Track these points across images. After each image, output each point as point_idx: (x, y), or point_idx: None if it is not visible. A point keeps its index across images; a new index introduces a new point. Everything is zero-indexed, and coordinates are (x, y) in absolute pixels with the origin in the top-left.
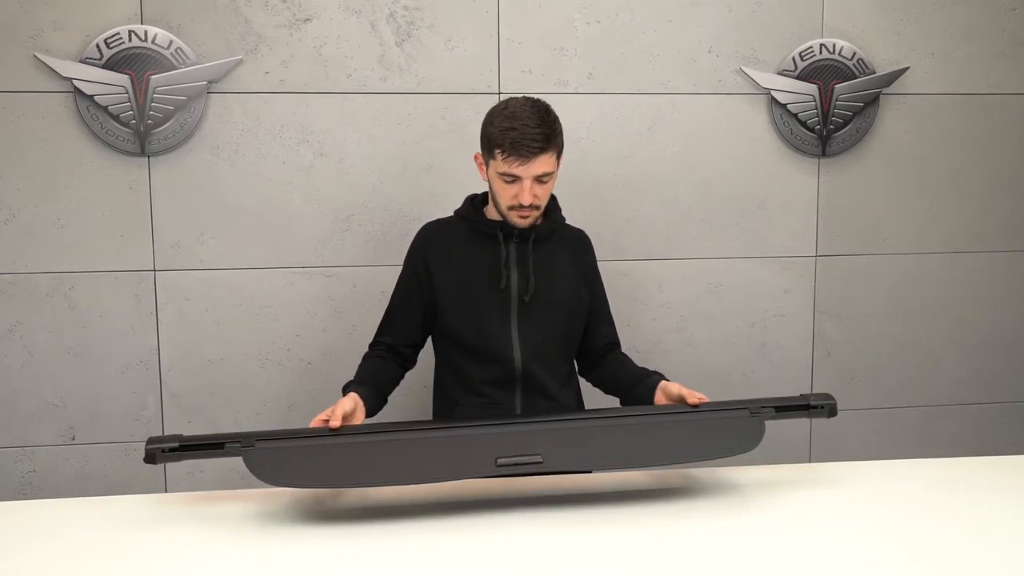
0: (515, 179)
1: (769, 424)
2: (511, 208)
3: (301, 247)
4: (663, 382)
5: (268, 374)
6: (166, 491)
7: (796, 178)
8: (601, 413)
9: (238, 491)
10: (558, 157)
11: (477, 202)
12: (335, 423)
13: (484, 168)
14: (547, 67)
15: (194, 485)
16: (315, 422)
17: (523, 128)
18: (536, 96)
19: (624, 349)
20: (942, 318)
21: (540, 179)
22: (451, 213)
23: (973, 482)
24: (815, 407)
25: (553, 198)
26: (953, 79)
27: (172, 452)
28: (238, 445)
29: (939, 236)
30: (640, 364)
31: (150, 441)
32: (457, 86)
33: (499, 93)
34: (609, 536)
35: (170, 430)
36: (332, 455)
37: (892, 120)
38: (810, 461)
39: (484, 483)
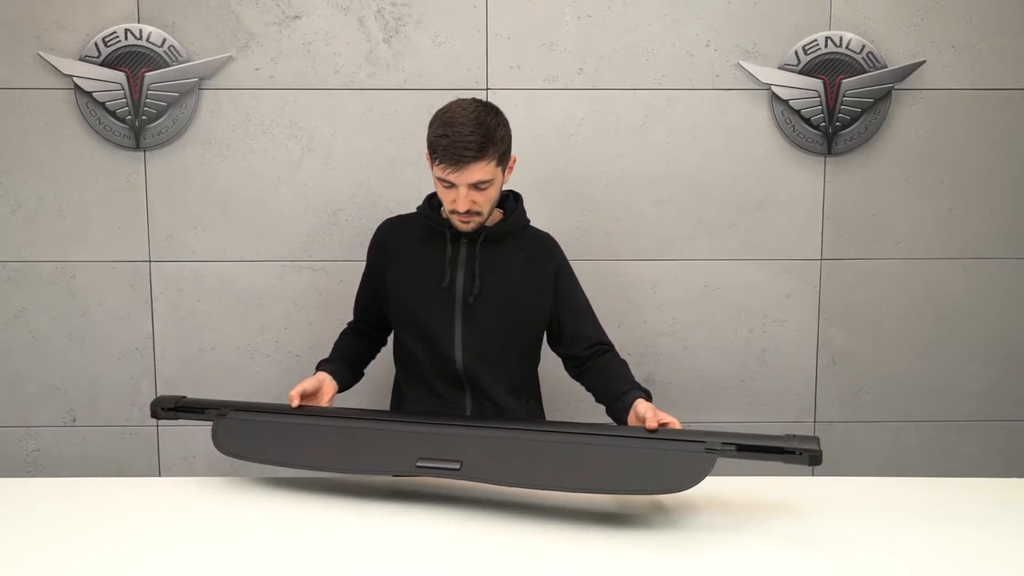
0: (451, 185)
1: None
2: (451, 212)
3: (289, 241)
4: (638, 401)
5: (257, 365)
6: (159, 475)
7: (799, 177)
8: (537, 426)
9: (227, 478)
10: (499, 164)
11: (435, 200)
12: (293, 403)
13: (432, 169)
14: (536, 62)
15: (187, 470)
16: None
17: (455, 135)
18: (527, 91)
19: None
20: (961, 328)
21: (477, 186)
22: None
23: (989, 506)
24: (791, 452)
25: (517, 198)
26: (977, 73)
27: (168, 411)
28: (215, 412)
29: (958, 240)
30: (633, 367)
31: (157, 401)
32: (444, 82)
33: (487, 89)
34: (569, 546)
35: None
36: (280, 435)
37: (906, 117)
38: (813, 475)
39: (456, 483)
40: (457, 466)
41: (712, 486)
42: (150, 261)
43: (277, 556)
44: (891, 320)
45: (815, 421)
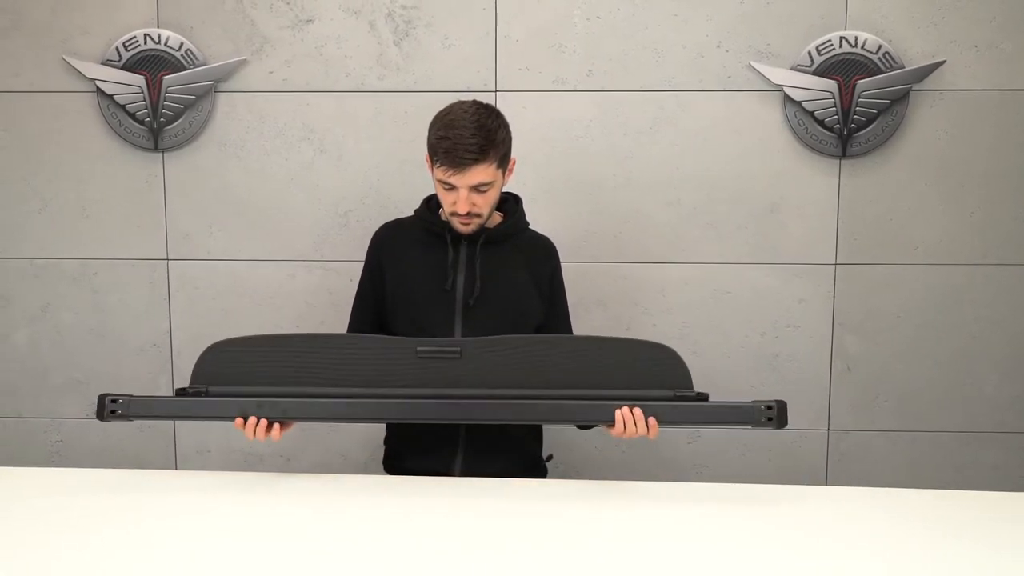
0: (452, 187)
1: (783, 441)
2: (451, 214)
3: (301, 241)
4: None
5: None
6: (176, 468)
7: (813, 180)
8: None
9: (240, 473)
10: (499, 166)
11: (433, 203)
12: (249, 432)
13: (431, 171)
14: (545, 64)
15: (202, 464)
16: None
17: (456, 137)
18: (536, 93)
19: None
20: (983, 336)
21: (478, 188)
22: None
23: (1010, 521)
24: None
25: (517, 201)
26: (1001, 73)
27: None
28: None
29: (979, 246)
30: None
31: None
32: (454, 84)
33: (496, 91)
34: (571, 551)
35: None
36: (271, 359)
37: (925, 119)
38: (826, 484)
39: (452, 484)
40: (456, 349)
41: (721, 492)
42: (167, 259)
43: (287, 552)
44: (909, 327)
45: (829, 429)
